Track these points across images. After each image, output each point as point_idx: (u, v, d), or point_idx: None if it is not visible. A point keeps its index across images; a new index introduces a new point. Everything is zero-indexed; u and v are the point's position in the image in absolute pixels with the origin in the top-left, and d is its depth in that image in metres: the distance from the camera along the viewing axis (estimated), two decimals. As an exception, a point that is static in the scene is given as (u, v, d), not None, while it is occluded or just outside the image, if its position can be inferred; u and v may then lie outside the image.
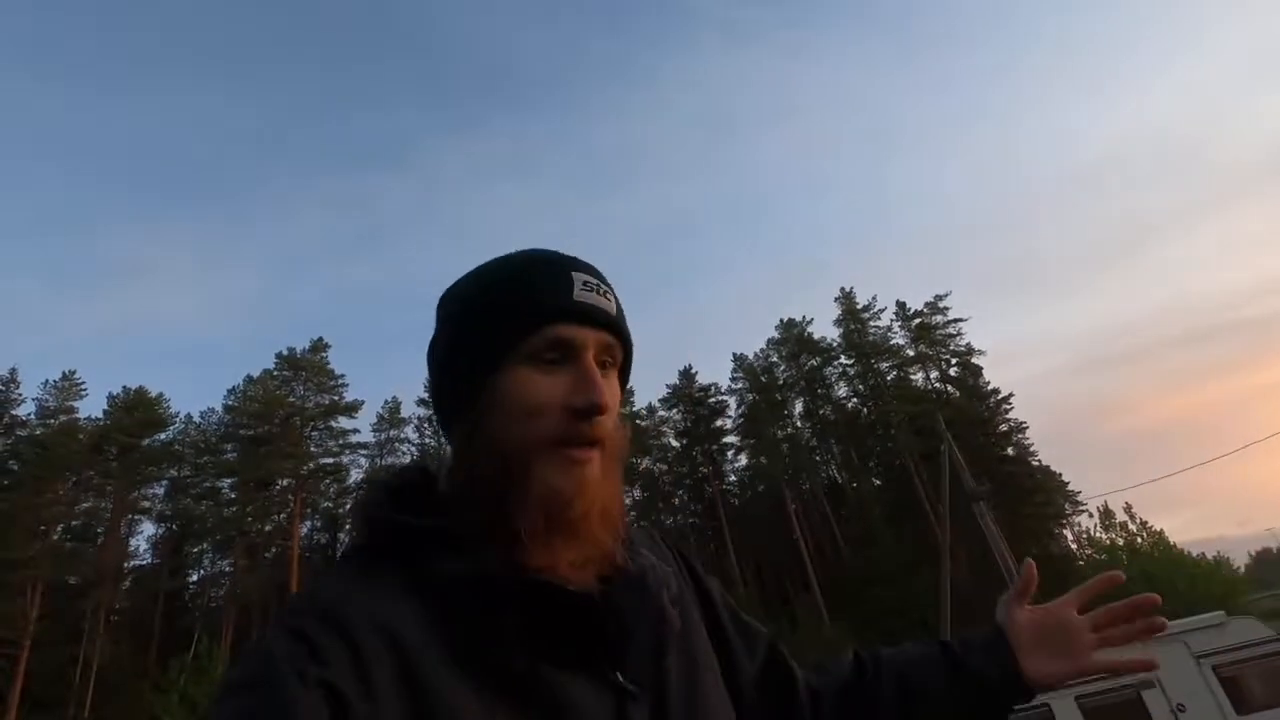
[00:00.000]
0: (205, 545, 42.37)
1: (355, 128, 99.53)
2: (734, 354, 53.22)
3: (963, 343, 49.57)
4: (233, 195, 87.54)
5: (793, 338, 53.02)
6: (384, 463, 44.66)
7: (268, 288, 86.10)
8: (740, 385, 51.52)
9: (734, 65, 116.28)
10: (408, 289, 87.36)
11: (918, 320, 50.56)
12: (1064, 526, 45.01)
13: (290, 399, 44.06)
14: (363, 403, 45.11)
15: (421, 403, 45.23)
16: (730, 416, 51.17)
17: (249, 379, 45.28)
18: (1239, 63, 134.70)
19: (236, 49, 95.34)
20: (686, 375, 52.43)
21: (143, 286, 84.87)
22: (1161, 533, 33.15)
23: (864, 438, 49.04)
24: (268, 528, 41.36)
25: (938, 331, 49.99)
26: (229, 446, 42.93)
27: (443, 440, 0.75)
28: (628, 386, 0.78)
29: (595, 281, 0.69)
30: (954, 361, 49.75)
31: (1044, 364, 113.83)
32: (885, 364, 50.34)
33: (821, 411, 51.28)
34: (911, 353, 50.49)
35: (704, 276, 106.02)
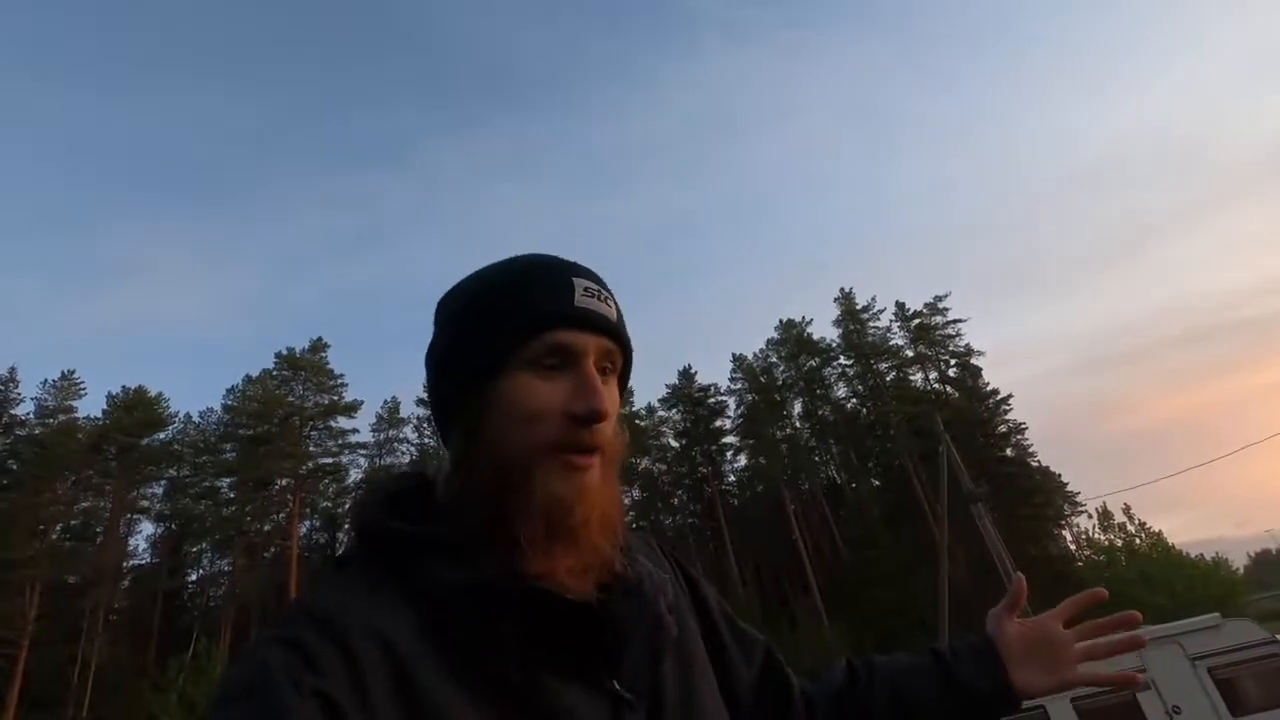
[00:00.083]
0: (204, 545, 42.31)
1: (355, 128, 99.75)
2: (733, 354, 53.22)
3: (962, 343, 49.66)
4: (233, 195, 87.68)
5: (792, 338, 52.96)
6: (383, 463, 44.69)
7: (267, 287, 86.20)
8: (739, 385, 51.47)
9: (734, 65, 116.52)
10: (407, 289, 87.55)
11: (917, 321, 50.56)
12: (1063, 527, 44.92)
13: (289, 399, 43.98)
14: (362, 403, 45.11)
15: (420, 403, 45.08)
16: (729, 417, 51.20)
17: (248, 379, 45.24)
18: (1239, 63, 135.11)
19: (236, 49, 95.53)
20: (686, 375, 52.39)
21: (142, 286, 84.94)
22: (1160, 534, 33.03)
23: (863, 438, 48.97)
24: (267, 527, 41.25)
25: (937, 332, 50.00)
26: (228, 446, 42.86)
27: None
28: (627, 390, 0.78)
29: (596, 287, 0.69)
30: (953, 362, 49.77)
31: (1044, 364, 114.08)
32: (884, 364, 50.31)
33: (820, 412, 51.22)
34: (911, 353, 50.51)
35: (704, 276, 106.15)
